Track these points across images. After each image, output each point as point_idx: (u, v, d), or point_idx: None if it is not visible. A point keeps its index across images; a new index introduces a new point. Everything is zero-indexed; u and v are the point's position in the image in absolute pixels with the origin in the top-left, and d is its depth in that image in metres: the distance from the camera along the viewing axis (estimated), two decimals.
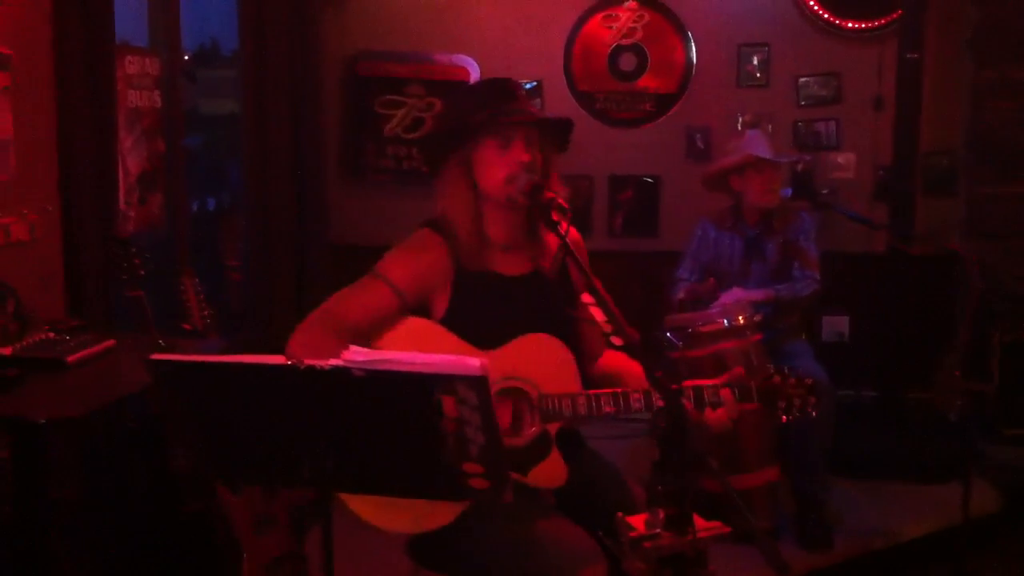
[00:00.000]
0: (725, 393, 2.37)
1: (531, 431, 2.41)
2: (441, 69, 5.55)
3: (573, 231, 2.38)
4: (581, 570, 2.23)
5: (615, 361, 2.65)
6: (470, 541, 2.37)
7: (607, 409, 2.38)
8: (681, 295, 4.30)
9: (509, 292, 2.53)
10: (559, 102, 5.55)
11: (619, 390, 2.40)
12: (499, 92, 2.51)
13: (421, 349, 2.38)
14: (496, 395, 2.35)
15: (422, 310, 2.50)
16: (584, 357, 2.61)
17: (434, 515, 2.33)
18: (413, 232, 2.55)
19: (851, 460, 4.63)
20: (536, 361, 2.42)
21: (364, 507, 2.32)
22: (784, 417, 2.40)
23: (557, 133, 2.57)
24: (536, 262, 2.57)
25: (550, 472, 2.42)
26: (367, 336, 2.40)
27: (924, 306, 5.12)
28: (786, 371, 2.42)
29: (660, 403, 2.30)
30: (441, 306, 2.49)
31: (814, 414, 2.42)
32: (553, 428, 2.42)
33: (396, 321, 2.45)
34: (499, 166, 2.44)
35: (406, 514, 2.31)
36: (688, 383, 2.39)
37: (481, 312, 2.48)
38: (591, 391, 2.41)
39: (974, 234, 5.30)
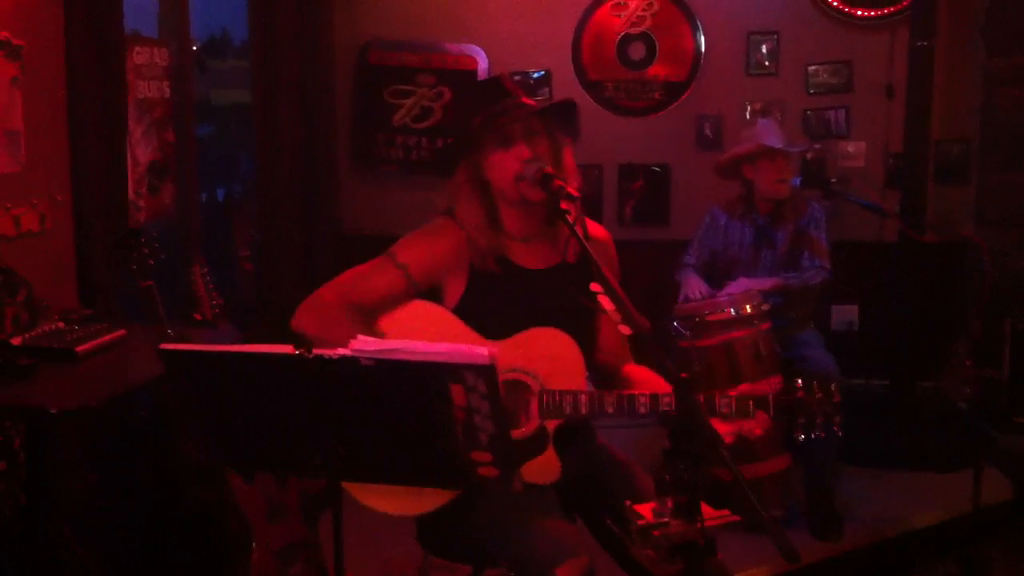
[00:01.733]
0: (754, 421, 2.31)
1: (529, 426, 2.37)
2: (452, 59, 5.54)
3: (599, 228, 2.48)
4: (566, 560, 2.21)
5: (639, 375, 2.57)
6: (470, 528, 2.38)
7: (609, 410, 2.33)
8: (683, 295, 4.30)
9: (527, 285, 2.48)
10: (568, 91, 5.52)
11: (625, 392, 2.35)
12: (490, 92, 2.49)
13: (424, 333, 2.38)
14: None
15: (434, 295, 2.49)
16: (600, 351, 2.57)
17: (434, 495, 2.32)
18: (431, 219, 2.54)
19: (862, 449, 4.62)
20: (542, 355, 2.37)
21: (365, 493, 2.33)
22: (801, 434, 2.32)
23: (561, 116, 2.51)
24: (564, 254, 2.53)
25: (544, 468, 2.38)
26: (373, 316, 2.41)
27: (935, 294, 5.10)
28: (814, 386, 2.32)
29: (666, 408, 2.28)
30: (455, 293, 2.47)
31: (840, 434, 2.32)
32: (551, 425, 2.38)
33: (402, 303, 2.44)
34: (506, 167, 2.41)
35: (406, 496, 2.30)
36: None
37: (494, 302, 2.45)
38: (595, 391, 2.36)
39: (985, 222, 5.28)
